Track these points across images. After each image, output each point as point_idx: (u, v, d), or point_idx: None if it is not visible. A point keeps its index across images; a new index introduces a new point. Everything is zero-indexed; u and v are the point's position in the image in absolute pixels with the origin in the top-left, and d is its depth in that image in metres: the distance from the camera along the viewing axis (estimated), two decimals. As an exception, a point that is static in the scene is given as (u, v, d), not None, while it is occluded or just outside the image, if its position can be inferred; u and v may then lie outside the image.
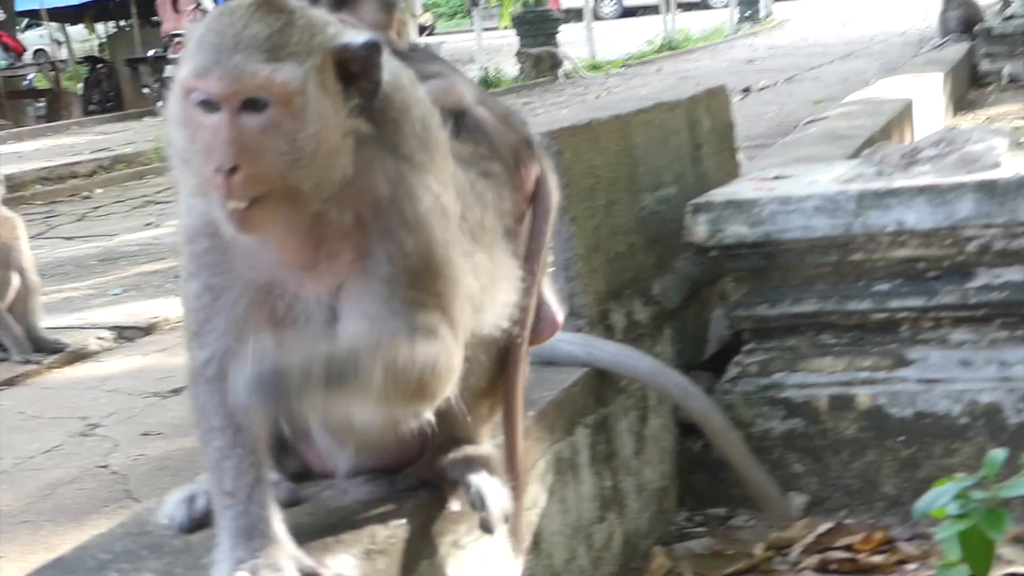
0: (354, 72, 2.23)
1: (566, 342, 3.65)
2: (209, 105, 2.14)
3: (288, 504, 2.63)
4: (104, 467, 5.66)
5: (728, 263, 4.40)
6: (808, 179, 4.54)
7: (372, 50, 2.22)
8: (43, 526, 5.02)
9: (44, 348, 7.79)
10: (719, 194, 4.45)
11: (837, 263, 4.28)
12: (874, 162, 4.50)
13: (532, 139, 2.93)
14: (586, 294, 3.83)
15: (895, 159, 4.44)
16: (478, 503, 2.63)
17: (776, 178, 4.63)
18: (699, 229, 4.31)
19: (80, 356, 7.69)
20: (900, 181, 4.23)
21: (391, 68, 2.35)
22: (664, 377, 3.67)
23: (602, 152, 3.95)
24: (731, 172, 5.22)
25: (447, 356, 2.37)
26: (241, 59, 2.12)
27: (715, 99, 5.07)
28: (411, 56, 2.78)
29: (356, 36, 2.24)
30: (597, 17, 36.67)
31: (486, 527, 2.63)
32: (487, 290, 2.62)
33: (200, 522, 2.56)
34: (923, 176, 4.26)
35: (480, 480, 2.66)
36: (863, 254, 4.24)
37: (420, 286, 2.33)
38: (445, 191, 2.41)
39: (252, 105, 2.12)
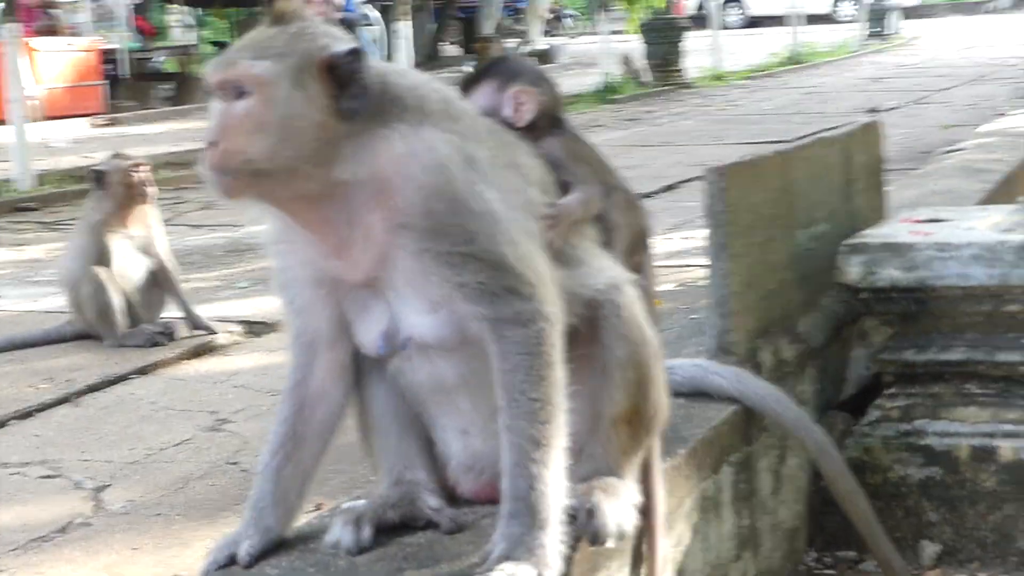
0: (342, 76, 2.53)
1: (718, 375, 3.65)
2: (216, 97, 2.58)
3: (450, 531, 2.67)
4: (234, 464, 5.71)
5: (877, 305, 4.36)
6: (965, 224, 4.47)
7: (353, 57, 2.53)
8: (175, 520, 5.08)
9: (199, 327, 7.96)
10: (874, 235, 4.41)
11: (990, 313, 4.22)
12: (1033, 210, 4.43)
13: (649, 228, 3.15)
14: (738, 331, 3.81)
15: (1055, 209, 4.37)
16: (583, 518, 2.64)
17: (930, 221, 4.57)
18: (852, 270, 4.27)
19: (208, 349, 7.77)
20: (1062, 234, 4.16)
21: (404, 73, 2.74)
22: (805, 431, 3.69)
23: (764, 188, 3.94)
24: (878, 209, 5.16)
25: (543, 319, 2.58)
26: (233, 56, 2.55)
27: (870, 134, 5.01)
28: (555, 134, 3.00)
29: (341, 45, 2.56)
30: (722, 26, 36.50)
31: (595, 539, 2.65)
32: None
33: (366, 549, 2.61)
34: (1086, 230, 4.19)
35: (598, 501, 2.67)
36: (1018, 305, 4.18)
37: (466, 244, 2.54)
38: (478, 146, 2.63)
39: (239, 94, 2.50)
